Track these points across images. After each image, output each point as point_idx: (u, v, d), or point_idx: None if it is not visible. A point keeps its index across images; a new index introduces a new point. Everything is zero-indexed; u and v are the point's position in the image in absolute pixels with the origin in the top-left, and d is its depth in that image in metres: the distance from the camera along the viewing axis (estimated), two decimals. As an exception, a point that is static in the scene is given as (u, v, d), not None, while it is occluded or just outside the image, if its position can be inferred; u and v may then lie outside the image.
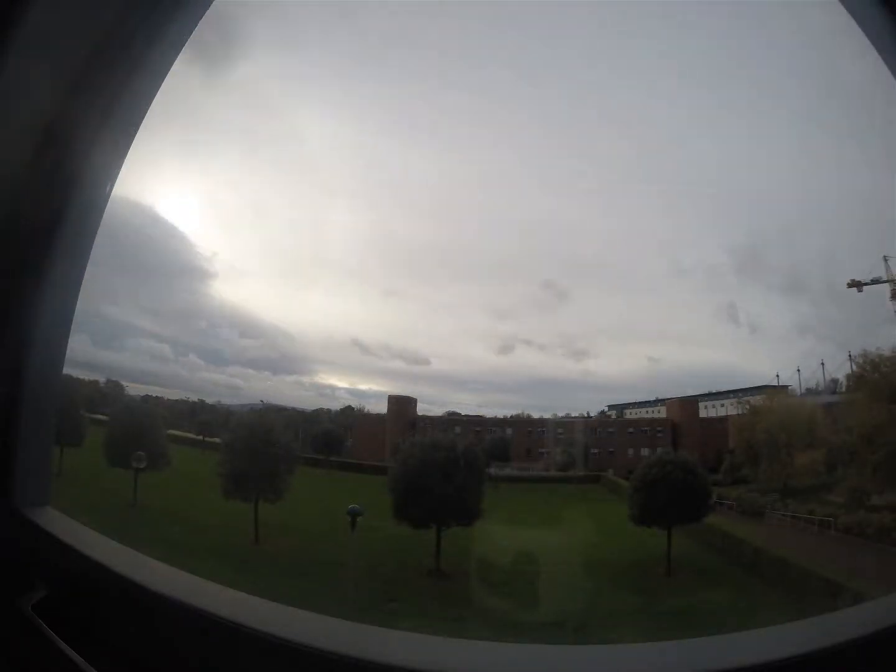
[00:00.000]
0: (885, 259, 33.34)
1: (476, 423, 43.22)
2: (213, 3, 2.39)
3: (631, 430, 42.84)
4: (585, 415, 46.26)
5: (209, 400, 46.15)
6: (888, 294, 33.48)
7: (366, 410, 47.64)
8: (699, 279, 49.41)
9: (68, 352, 2.44)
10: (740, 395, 39.94)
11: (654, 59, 51.51)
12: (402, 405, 43.77)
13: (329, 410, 48.46)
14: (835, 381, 37.35)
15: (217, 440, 33.36)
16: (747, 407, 37.25)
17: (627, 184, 51.43)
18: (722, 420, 40.29)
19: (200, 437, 39.28)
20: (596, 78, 55.15)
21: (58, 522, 2.24)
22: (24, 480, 2.24)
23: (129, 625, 1.92)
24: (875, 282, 33.95)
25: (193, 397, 46.37)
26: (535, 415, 45.16)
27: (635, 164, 51.43)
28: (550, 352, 53.55)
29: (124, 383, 41.12)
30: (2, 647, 1.93)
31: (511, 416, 45.39)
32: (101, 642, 1.87)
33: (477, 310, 60.24)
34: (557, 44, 49.91)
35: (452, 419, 43.82)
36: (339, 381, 55.94)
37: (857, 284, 34.41)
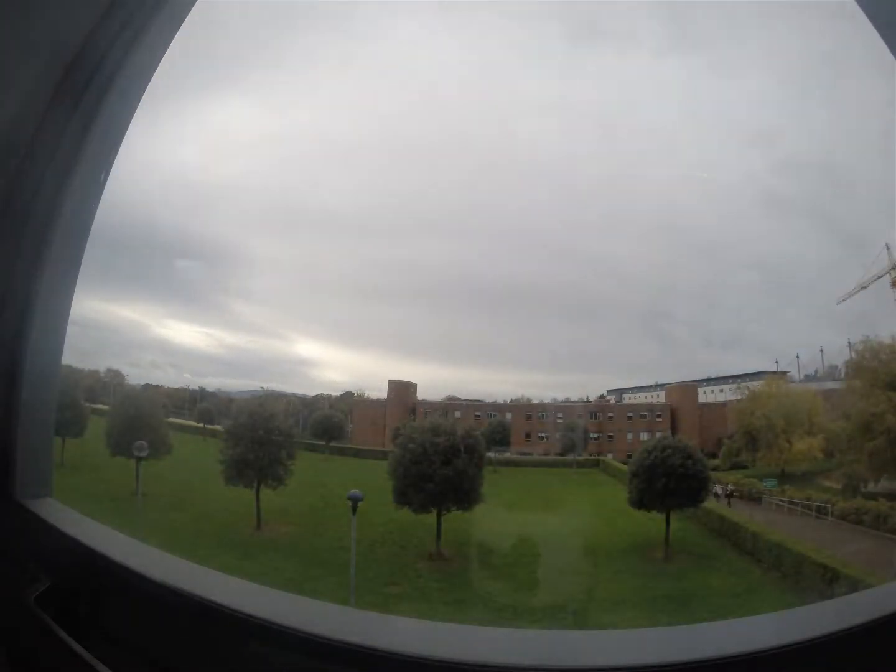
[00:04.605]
0: (888, 247, 33.17)
1: (475, 408, 43.39)
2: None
3: (630, 414, 42.95)
4: (585, 399, 46.44)
5: (209, 387, 46.47)
6: (889, 282, 33.33)
7: (366, 395, 47.81)
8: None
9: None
10: (739, 380, 40.00)
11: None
12: (401, 390, 43.90)
13: (329, 396, 48.69)
14: (833, 368, 37.46)
15: (218, 427, 33.55)
16: (746, 392, 37.36)
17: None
18: (721, 405, 40.42)
19: (201, 425, 39.45)
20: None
21: (59, 513, 2.24)
22: (25, 472, 2.24)
23: (132, 614, 1.93)
24: (877, 278, 33.73)
25: (194, 385, 46.66)
26: (535, 399, 45.34)
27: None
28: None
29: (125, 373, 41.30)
30: (5, 638, 1.94)
31: (511, 401, 45.55)
32: (104, 632, 1.88)
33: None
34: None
35: (452, 404, 43.94)
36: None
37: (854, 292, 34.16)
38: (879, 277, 33.31)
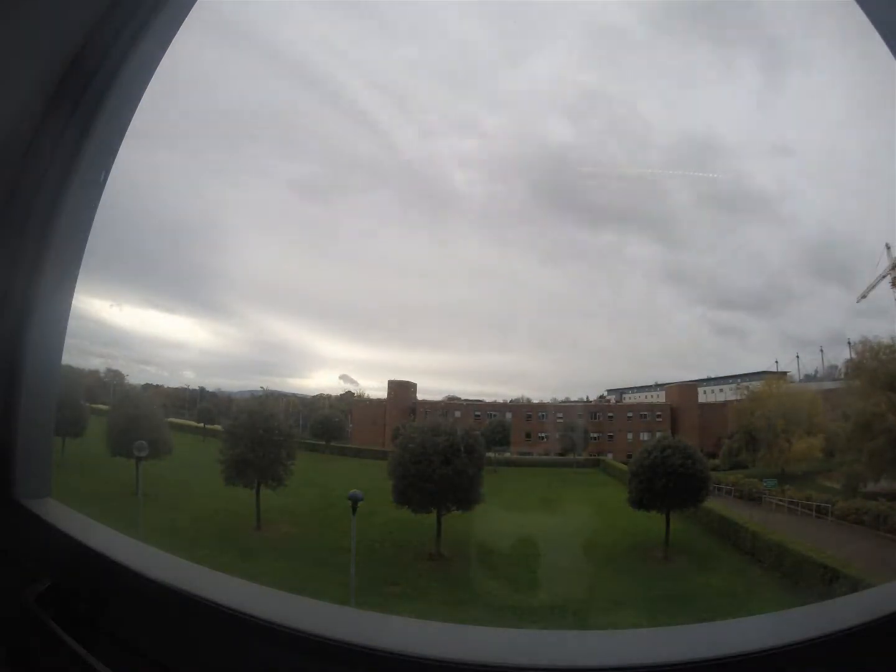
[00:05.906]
0: (888, 247, 33.19)
1: (475, 408, 43.38)
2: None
3: (630, 414, 42.96)
4: (585, 399, 46.46)
5: (209, 387, 46.53)
6: (889, 282, 33.34)
7: (366, 395, 47.81)
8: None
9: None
10: (739, 380, 40.05)
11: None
12: (401, 390, 43.88)
13: (329, 396, 48.71)
14: (833, 368, 37.49)
15: (217, 427, 33.57)
16: (746, 392, 37.37)
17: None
18: (721, 405, 40.42)
19: (201, 425, 39.48)
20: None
21: (59, 513, 2.24)
22: (25, 472, 2.23)
23: (132, 614, 1.93)
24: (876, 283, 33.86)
25: (194, 385, 46.70)
26: (535, 399, 45.32)
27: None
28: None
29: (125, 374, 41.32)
30: (5, 638, 1.94)
31: (511, 401, 45.52)
32: (104, 632, 1.88)
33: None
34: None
35: (452, 403, 43.90)
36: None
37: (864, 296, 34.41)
38: (884, 277, 33.44)
